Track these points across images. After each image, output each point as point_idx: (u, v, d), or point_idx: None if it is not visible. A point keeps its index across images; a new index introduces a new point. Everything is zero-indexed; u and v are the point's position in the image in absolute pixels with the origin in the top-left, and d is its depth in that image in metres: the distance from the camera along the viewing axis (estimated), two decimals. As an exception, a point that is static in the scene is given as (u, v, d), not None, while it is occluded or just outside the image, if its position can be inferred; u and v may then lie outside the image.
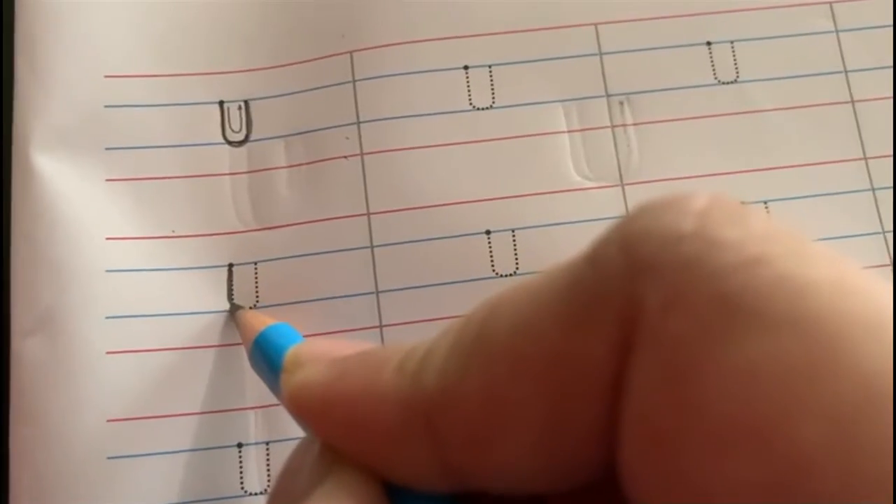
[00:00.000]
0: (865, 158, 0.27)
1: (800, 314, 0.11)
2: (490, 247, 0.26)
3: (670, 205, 0.12)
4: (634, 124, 0.27)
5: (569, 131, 0.27)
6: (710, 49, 0.28)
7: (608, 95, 0.28)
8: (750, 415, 0.10)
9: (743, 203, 0.12)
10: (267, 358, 0.21)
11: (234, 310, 0.26)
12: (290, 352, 0.18)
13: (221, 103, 0.28)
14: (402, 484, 0.14)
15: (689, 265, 0.12)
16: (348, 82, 0.28)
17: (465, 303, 0.25)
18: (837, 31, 0.28)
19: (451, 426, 0.13)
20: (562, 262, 0.13)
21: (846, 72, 0.28)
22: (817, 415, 0.10)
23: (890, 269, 0.26)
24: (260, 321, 0.23)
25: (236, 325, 0.25)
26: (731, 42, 0.28)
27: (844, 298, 0.11)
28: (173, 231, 0.26)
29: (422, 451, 0.14)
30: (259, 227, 0.27)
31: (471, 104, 0.28)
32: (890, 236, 0.26)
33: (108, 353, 0.25)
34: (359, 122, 0.27)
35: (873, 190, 0.27)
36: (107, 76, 0.27)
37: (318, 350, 0.17)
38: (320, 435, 0.15)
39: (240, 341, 0.25)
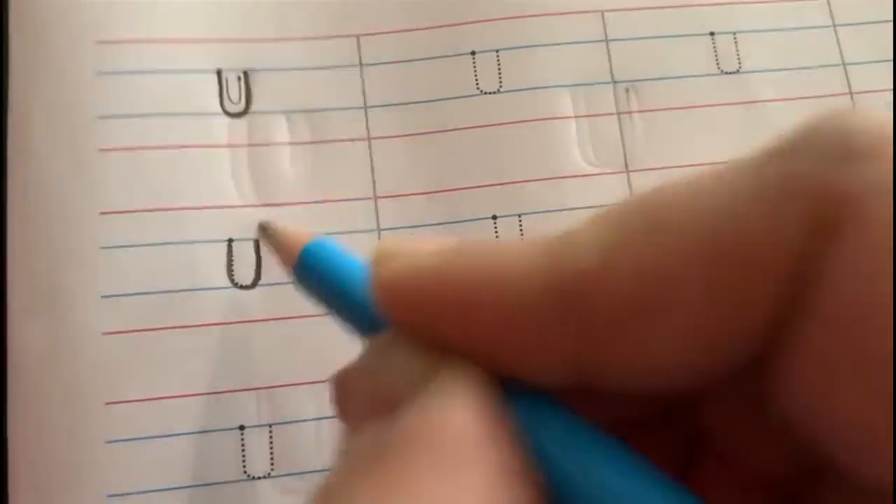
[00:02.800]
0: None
1: None
2: (496, 231, 0.26)
3: (867, 110, 0.12)
4: (640, 111, 0.28)
5: (575, 117, 0.27)
6: (713, 39, 0.28)
7: (614, 82, 0.28)
8: None
9: None
10: (327, 264, 0.18)
11: (263, 230, 0.21)
12: (379, 245, 0.15)
13: (219, 72, 0.27)
14: (522, 375, 0.13)
15: None
16: (355, 66, 0.27)
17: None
18: (835, 26, 0.28)
19: (601, 304, 0.12)
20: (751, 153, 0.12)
21: (844, 65, 0.28)
22: None
23: None
24: (299, 236, 0.19)
25: (269, 244, 0.21)
26: (734, 33, 0.28)
27: None
28: (169, 203, 0.25)
29: (555, 336, 0.12)
30: (260, 203, 0.26)
31: (478, 88, 0.27)
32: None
33: (104, 333, 0.24)
34: (366, 107, 0.27)
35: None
36: (98, 42, 0.26)
37: (411, 244, 0.14)
38: (427, 325, 0.13)
39: (242, 318, 0.25)
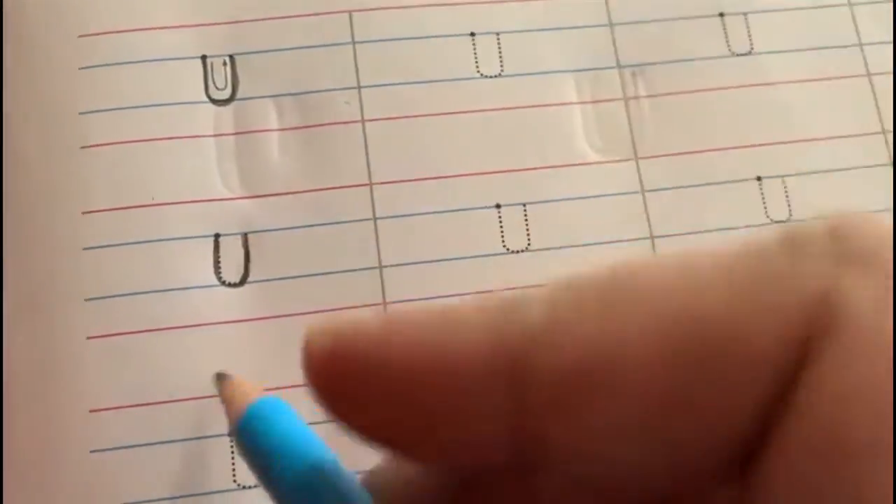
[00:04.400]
0: (884, 132, 0.27)
1: None
2: (500, 221, 0.25)
3: (873, 215, 0.11)
4: (648, 96, 0.26)
5: (580, 102, 0.26)
6: (723, 20, 0.27)
7: (620, 67, 0.26)
8: None
9: None
10: (256, 435, 0.17)
11: (219, 380, 0.21)
12: (310, 325, 0.13)
13: (204, 58, 0.25)
14: (462, 451, 0.12)
15: None
16: (347, 43, 0.26)
17: (474, 279, 0.24)
18: (851, 4, 0.27)
19: (546, 368, 0.11)
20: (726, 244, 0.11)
21: (861, 45, 0.27)
22: None
23: None
24: (246, 396, 0.18)
25: (221, 399, 0.21)
26: (745, 14, 0.27)
27: None
28: (153, 199, 0.24)
29: (501, 401, 0.11)
30: (248, 195, 0.25)
31: (478, 72, 0.26)
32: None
33: (88, 338, 0.23)
34: (359, 87, 0.25)
35: (894, 164, 0.26)
36: (81, 35, 0.24)
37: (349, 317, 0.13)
38: (363, 404, 0.12)
39: (232, 318, 0.23)
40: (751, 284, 0.11)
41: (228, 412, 0.20)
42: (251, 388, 0.19)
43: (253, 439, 0.17)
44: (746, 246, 0.11)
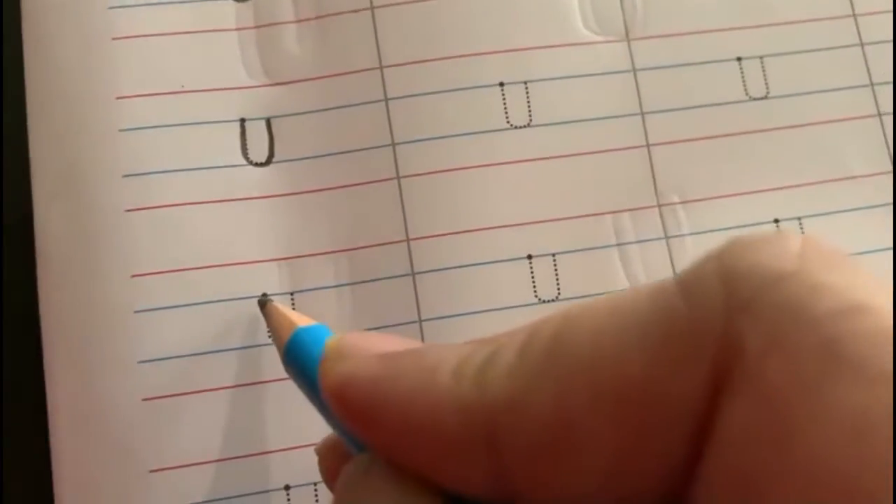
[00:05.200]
0: (854, 16, 0.29)
1: None
2: (504, 100, 0.27)
3: (769, 242, 0.12)
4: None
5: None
6: None
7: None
8: (847, 469, 0.10)
9: (834, 246, 0.12)
10: (305, 363, 0.19)
11: (263, 303, 0.24)
12: (333, 340, 0.16)
13: (223, -43, 0.27)
14: (456, 492, 0.14)
15: (792, 307, 0.11)
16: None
17: (481, 154, 0.26)
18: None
19: (515, 438, 0.13)
20: (645, 287, 0.13)
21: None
22: None
23: None
24: (291, 321, 0.21)
25: (266, 321, 0.24)
26: None
27: None
28: (182, 86, 0.26)
29: (479, 461, 0.13)
30: (270, 83, 0.26)
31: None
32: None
33: (126, 210, 0.25)
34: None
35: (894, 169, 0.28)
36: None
37: (362, 342, 0.16)
38: (365, 434, 0.15)
39: (260, 194, 0.25)
40: (661, 342, 0.12)
41: (275, 335, 0.22)
42: (295, 315, 0.21)
43: (299, 363, 0.19)
44: (657, 299, 0.12)
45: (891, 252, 0.27)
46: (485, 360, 0.14)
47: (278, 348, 0.22)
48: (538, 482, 0.13)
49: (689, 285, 0.12)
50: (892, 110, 0.28)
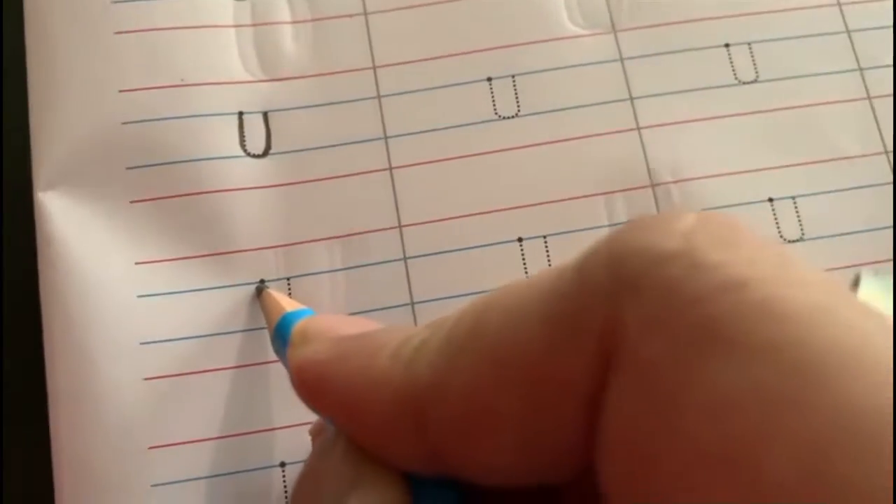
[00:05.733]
0: (839, 4, 0.29)
1: (778, 342, 0.10)
2: (492, 94, 0.28)
3: (658, 222, 0.12)
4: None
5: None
6: None
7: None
8: (723, 443, 0.10)
9: (732, 218, 0.12)
10: (284, 342, 0.21)
11: (260, 290, 0.26)
12: (298, 325, 0.18)
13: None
14: (395, 466, 0.15)
15: (671, 287, 0.11)
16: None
17: (468, 145, 0.27)
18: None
19: (438, 419, 0.14)
20: (554, 267, 0.13)
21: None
22: (790, 446, 0.10)
23: None
24: (281, 307, 0.22)
25: (261, 307, 0.25)
26: None
27: (825, 327, 0.10)
28: (182, 79, 0.27)
29: (411, 438, 0.14)
30: (267, 79, 0.28)
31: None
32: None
33: (131, 202, 0.26)
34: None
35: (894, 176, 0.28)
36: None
37: (325, 325, 0.17)
38: (321, 414, 0.16)
39: (258, 185, 0.26)
40: (554, 322, 0.12)
41: (266, 320, 0.24)
42: (287, 301, 0.23)
43: (282, 347, 0.20)
44: (557, 281, 0.13)
45: (890, 230, 0.27)
46: (420, 342, 0.14)
47: (269, 333, 0.23)
48: (462, 458, 0.14)
49: (581, 267, 0.13)
50: (881, 93, 0.28)
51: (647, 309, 0.12)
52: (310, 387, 0.16)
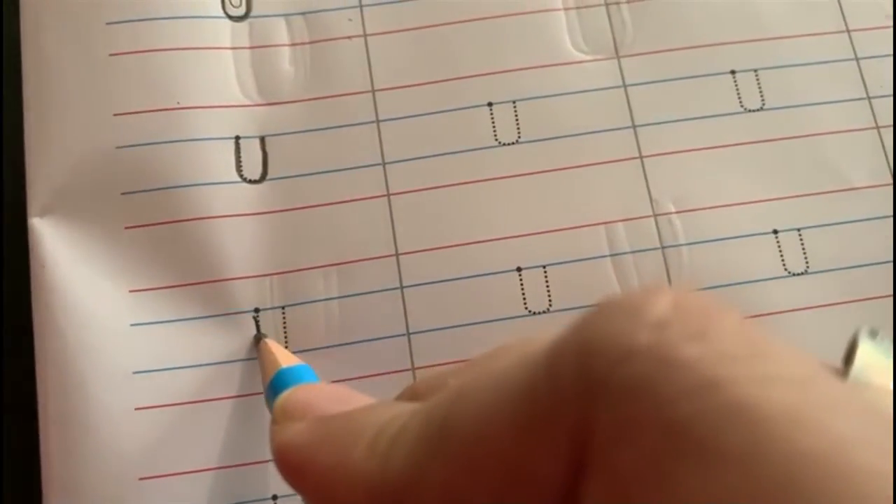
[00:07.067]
0: (847, 31, 0.29)
1: (750, 449, 0.10)
2: (492, 118, 0.27)
3: (628, 310, 0.12)
4: (628, 1, 0.29)
5: (564, 9, 0.28)
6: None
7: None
8: None
9: (708, 304, 0.12)
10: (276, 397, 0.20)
11: (258, 339, 0.25)
12: (279, 401, 0.18)
13: (220, -20, 0.28)
14: None
15: (641, 388, 0.11)
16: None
17: (467, 171, 0.26)
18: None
19: None
20: (525, 357, 0.13)
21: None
22: None
23: None
24: (277, 362, 0.22)
25: (258, 358, 0.25)
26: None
27: (797, 434, 0.10)
28: (178, 102, 0.27)
29: None
30: (264, 102, 0.27)
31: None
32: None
33: (126, 227, 0.25)
34: (361, 6, 0.28)
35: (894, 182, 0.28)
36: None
37: (304, 402, 0.18)
38: (300, 494, 0.16)
39: (253, 211, 0.26)
40: (527, 420, 0.12)
41: (262, 373, 0.23)
42: (284, 355, 0.23)
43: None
44: (529, 375, 0.12)
45: (890, 265, 0.26)
46: (397, 432, 0.14)
47: (263, 386, 0.23)
48: None
49: (551, 360, 0.12)
50: (890, 122, 0.28)
51: (617, 411, 0.11)
52: (291, 470, 0.16)
